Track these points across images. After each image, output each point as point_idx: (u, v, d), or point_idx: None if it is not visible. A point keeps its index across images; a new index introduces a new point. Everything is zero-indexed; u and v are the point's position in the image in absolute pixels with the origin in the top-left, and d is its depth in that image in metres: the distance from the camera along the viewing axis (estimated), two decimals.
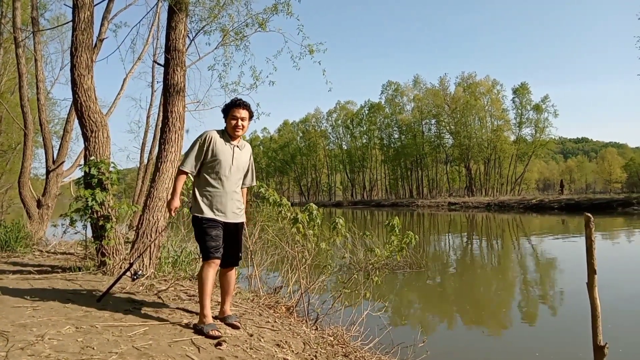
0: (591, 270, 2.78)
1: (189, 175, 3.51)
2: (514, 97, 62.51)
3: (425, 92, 68.20)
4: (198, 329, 3.22)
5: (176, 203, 3.42)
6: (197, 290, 4.66)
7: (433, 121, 68.33)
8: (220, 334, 3.18)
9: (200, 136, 3.47)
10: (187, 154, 3.44)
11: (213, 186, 3.40)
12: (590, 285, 2.79)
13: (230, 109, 3.50)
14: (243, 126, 3.52)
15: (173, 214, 3.43)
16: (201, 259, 3.42)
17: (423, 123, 68.92)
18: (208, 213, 3.36)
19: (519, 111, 62.13)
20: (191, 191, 3.58)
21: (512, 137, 63.07)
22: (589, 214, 2.77)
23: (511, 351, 5.76)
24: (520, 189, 64.61)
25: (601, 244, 14.97)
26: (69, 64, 5.64)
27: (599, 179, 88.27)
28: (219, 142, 3.45)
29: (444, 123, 66.65)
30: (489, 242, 18.00)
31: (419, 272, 10.52)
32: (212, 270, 3.31)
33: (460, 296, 8.90)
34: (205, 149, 3.42)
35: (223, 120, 3.58)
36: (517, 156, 62.34)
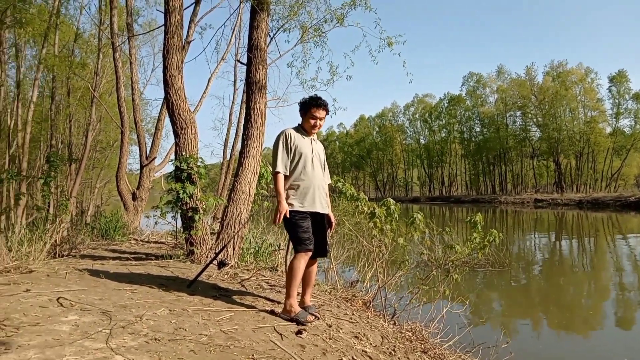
0: None
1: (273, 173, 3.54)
2: (610, 86, 57.04)
3: (510, 82, 64.46)
4: (290, 318, 3.35)
5: (284, 207, 3.36)
6: (277, 280, 4.85)
7: (518, 113, 64.40)
8: (317, 317, 3.35)
9: (280, 136, 3.57)
10: (275, 156, 3.50)
11: (300, 179, 3.48)
12: None
13: (310, 108, 3.57)
14: (320, 125, 3.64)
15: (277, 221, 3.36)
16: (293, 251, 3.49)
17: (507, 115, 65.28)
18: (297, 206, 3.44)
19: (616, 101, 56.72)
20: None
21: (608, 129, 57.75)
22: None
23: (600, 356, 5.38)
24: (617, 185, 59.24)
25: None
26: (161, 65, 6.06)
27: None
28: (298, 137, 3.57)
29: (530, 115, 62.64)
30: (580, 242, 16.74)
31: (502, 271, 10.08)
32: (304, 262, 3.39)
33: (547, 298, 8.42)
34: (289, 146, 3.53)
35: (299, 114, 3.67)
36: (613, 150, 57.10)
